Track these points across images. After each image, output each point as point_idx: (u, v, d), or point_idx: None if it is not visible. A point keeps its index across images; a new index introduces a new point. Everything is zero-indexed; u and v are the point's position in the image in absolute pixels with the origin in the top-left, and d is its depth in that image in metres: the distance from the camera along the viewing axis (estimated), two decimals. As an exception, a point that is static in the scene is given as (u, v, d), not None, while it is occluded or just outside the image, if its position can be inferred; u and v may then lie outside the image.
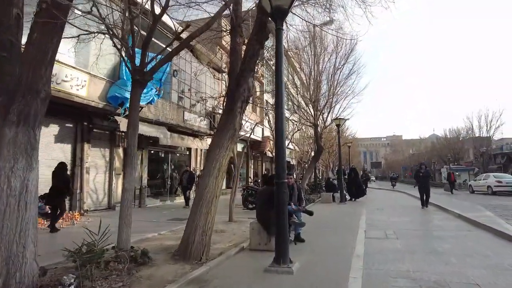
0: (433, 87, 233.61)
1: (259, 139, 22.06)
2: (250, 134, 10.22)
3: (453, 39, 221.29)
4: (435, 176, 54.54)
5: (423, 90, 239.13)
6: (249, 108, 19.15)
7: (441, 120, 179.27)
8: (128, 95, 10.76)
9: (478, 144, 42.71)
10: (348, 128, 36.01)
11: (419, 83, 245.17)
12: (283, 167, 4.65)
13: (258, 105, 19.30)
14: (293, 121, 17.81)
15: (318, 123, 16.18)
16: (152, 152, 15.34)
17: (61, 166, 8.13)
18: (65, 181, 8.02)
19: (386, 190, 29.40)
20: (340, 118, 15.60)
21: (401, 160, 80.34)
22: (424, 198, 12.95)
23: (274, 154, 4.53)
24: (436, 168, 54.01)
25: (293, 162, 30.04)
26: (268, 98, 22.30)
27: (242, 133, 10.76)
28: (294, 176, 18.27)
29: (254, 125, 10.26)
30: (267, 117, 20.49)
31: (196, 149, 18.60)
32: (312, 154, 20.24)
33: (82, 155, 11.12)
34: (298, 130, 17.72)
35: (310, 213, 6.70)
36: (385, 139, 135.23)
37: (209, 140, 19.71)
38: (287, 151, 30.89)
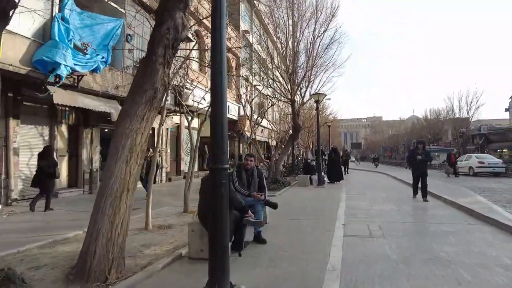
0: (416, 70, 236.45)
1: (235, 118, 20.29)
2: (209, 109, 8.45)
3: (444, 21, 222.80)
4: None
5: (406, 72, 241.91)
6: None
7: (421, 102, 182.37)
8: (60, 59, 8.77)
9: (458, 124, 42.52)
10: (328, 107, 34.69)
11: (402, 65, 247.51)
12: (221, 147, 3.02)
13: (234, 79, 17.43)
14: (269, 97, 16.10)
15: (296, 99, 14.58)
16: (106, 130, 13.39)
17: (48, 149, 8.65)
18: (52, 164, 8.31)
19: (367, 171, 28.49)
20: (319, 93, 14.01)
21: (381, 140, 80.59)
22: (420, 186, 9.56)
23: (212, 130, 2.85)
24: (415, 148, 53.93)
25: (273, 143, 28.57)
26: (244, 72, 20.36)
27: (199, 105, 9.14)
28: (273, 156, 16.91)
29: (205, 93, 8.48)
30: (244, 94, 18.65)
31: (161, 128, 16.71)
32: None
33: (7, 133, 9.12)
34: (272, 105, 16.00)
35: (274, 206, 5.17)
36: (365, 120, 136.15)
37: (176, 118, 17.83)
38: (265, 132, 29.34)
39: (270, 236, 5.32)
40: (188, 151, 19.86)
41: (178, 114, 17.19)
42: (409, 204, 8.94)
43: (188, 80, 15.50)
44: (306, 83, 14.67)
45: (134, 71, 12.95)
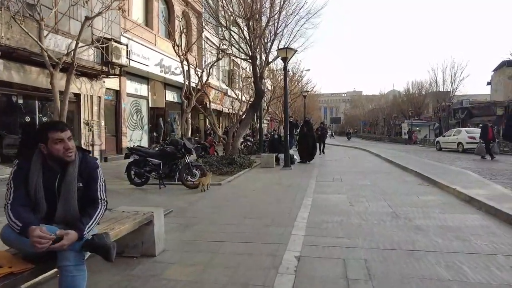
0: (398, 44, 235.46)
1: (193, 85, 16.80)
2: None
3: None
4: (394, 131, 53.10)
5: (387, 46, 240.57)
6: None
7: (403, 77, 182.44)
8: None
9: (441, 98, 40.59)
10: (305, 75, 31.42)
11: (382, 39, 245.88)
12: None
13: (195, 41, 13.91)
14: (215, 47, 12.57)
15: (259, 56, 11.30)
16: (-3, 94, 9.85)
17: None
18: None
19: (345, 147, 25.96)
20: (287, 48, 10.73)
21: (361, 115, 78.81)
22: None
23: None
24: (396, 123, 52.50)
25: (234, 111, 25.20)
26: (208, 34, 16.72)
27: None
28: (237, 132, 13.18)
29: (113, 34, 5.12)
30: (205, 58, 15.12)
31: (91, 95, 13.14)
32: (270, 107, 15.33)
33: None
34: (218, 59, 12.42)
35: (105, 255, 2.06)
36: (345, 94, 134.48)
37: (109, 82, 14.22)
38: (236, 104, 25.91)
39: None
40: (133, 124, 16.42)
41: (113, 76, 13.66)
42: (405, 200, 6.09)
43: (121, 29, 11.89)
44: (272, 35, 11.35)
45: (18, 10, 9.04)
